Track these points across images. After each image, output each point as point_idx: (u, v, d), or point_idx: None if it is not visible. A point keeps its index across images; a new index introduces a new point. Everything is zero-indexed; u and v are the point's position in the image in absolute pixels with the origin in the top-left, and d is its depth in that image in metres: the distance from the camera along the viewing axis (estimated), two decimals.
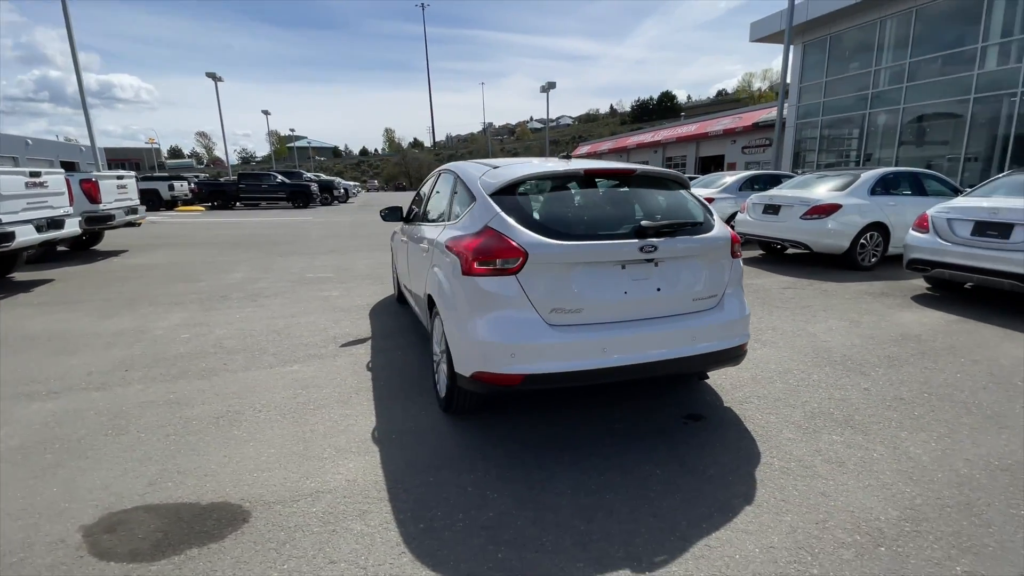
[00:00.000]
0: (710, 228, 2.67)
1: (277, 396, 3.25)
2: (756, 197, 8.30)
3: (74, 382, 3.48)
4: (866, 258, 7.25)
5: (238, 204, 24.12)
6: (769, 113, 31.60)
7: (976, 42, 15.59)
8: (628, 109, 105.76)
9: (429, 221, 3.76)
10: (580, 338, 2.37)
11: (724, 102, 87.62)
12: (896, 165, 15.47)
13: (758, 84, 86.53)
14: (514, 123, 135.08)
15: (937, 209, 5.57)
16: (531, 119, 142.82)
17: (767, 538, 1.95)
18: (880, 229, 7.20)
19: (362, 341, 4.33)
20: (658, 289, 2.51)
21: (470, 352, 2.46)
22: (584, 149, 53.64)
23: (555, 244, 2.37)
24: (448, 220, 3.09)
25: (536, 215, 2.53)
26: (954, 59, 16.31)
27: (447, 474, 2.39)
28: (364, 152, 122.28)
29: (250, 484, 2.31)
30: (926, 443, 2.63)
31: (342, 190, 28.46)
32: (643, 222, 2.47)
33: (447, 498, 2.21)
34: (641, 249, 2.41)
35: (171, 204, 22.07)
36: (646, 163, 44.02)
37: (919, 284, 6.26)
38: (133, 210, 9.41)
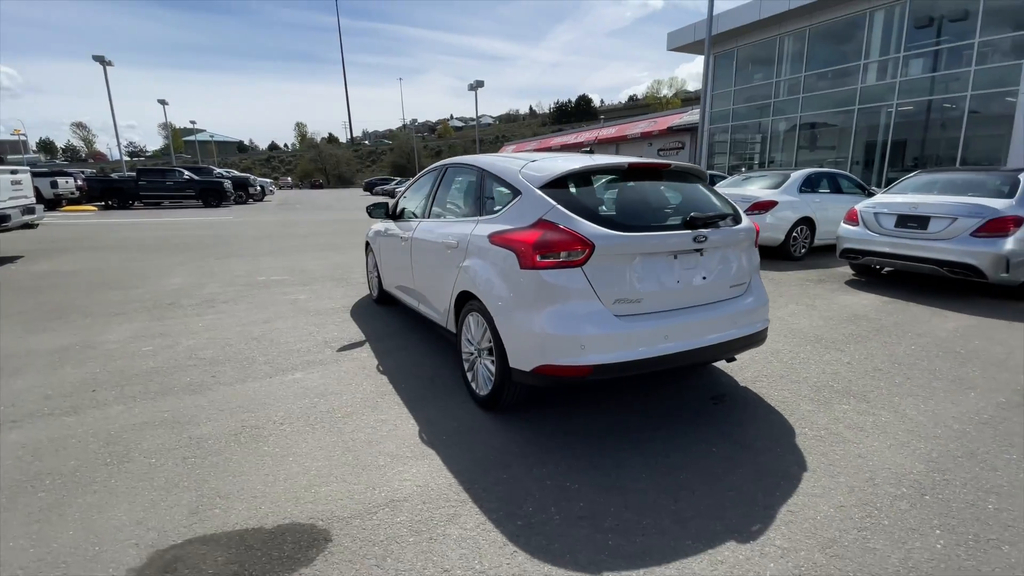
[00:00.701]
0: (740, 219, 2.86)
1: (294, 407, 2.99)
2: None
3: (32, 407, 2.97)
4: (797, 249, 8.07)
5: (136, 203, 21.56)
6: (681, 118, 33.99)
7: (859, 59, 17.86)
8: (547, 111, 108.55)
9: (440, 218, 3.65)
10: (643, 327, 2.44)
11: (635, 107, 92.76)
12: (794, 168, 17.38)
13: (665, 91, 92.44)
14: (435, 120, 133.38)
15: (865, 204, 6.34)
16: (451, 117, 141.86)
17: (834, 499, 2.15)
18: (808, 223, 8.05)
19: (359, 344, 4.10)
20: (704, 278, 2.65)
21: (533, 346, 2.44)
22: (509, 149, 54.30)
23: (620, 235, 2.41)
24: (480, 215, 3.02)
25: (593, 208, 2.55)
26: (841, 74, 18.56)
27: (518, 470, 2.35)
28: (273, 147, 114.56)
29: (312, 501, 2.13)
30: (917, 406, 3.01)
31: (258, 187, 26.45)
32: (693, 214, 2.59)
33: (531, 493, 2.18)
34: (694, 239, 2.53)
35: (54, 203, 19.21)
36: None
37: (846, 271, 7.08)
38: (30, 210, 8.09)
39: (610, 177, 2.81)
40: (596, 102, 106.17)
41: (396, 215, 4.62)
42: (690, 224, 2.57)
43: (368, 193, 43.01)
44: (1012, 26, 14.14)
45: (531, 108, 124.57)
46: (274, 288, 6.14)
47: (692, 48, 23.80)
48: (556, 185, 2.62)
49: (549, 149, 45.70)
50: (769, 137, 21.54)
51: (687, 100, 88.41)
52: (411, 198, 4.43)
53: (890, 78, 17.20)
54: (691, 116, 32.92)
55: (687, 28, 23.00)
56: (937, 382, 3.34)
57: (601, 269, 2.41)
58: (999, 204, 5.27)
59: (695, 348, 2.55)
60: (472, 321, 2.96)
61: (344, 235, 11.71)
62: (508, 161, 3.04)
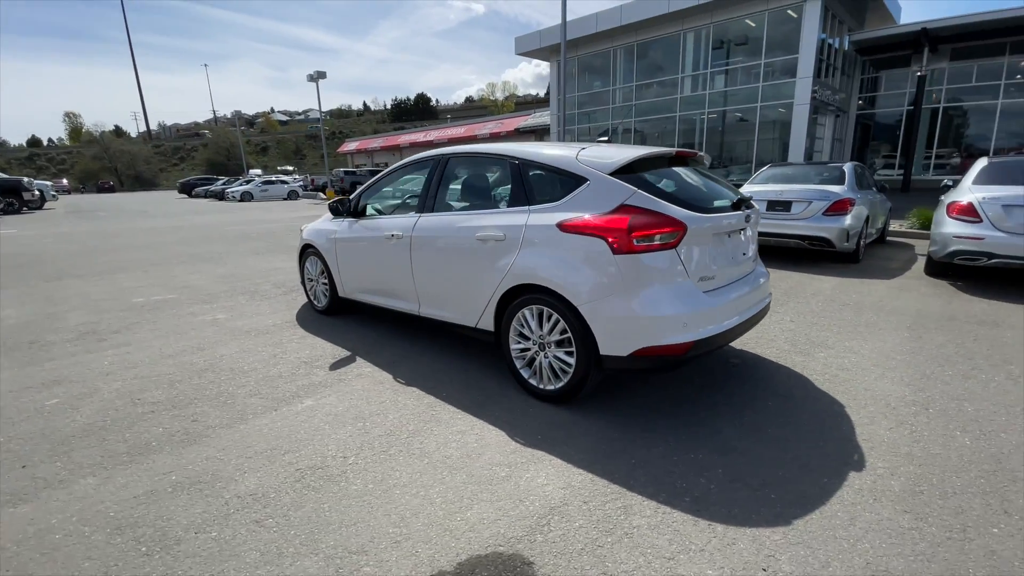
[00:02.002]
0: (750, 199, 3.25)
1: (342, 437, 2.53)
2: None
3: None
4: None
5: None
6: (527, 120, 36.11)
7: (677, 72, 21.03)
8: (384, 107, 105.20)
9: (452, 211, 3.39)
10: (722, 301, 2.64)
11: (472, 108, 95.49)
12: None
13: (499, 94, 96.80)
14: (252, 113, 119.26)
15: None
16: (272, 110, 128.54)
17: (883, 424, 2.61)
18: None
19: (349, 360, 3.59)
20: (744, 254, 2.96)
21: (633, 330, 2.46)
22: (352, 145, 51.41)
23: (703, 216, 2.57)
24: (528, 204, 2.89)
25: (665, 192, 2.65)
26: (665, 85, 21.65)
27: (638, 453, 2.36)
28: (35, 142, 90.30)
29: (470, 530, 1.86)
30: (863, 346, 3.77)
31: (36, 192, 20.69)
32: (738, 196, 2.87)
33: (670, 471, 2.22)
34: (745, 219, 2.81)
35: None
36: None
37: None
38: None
39: (663, 164, 2.94)
40: (432, 101, 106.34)
41: (358, 212, 4.14)
42: (737, 205, 2.86)
43: (187, 196, 36.74)
44: (786, 51, 18.10)
45: (365, 104, 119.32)
46: (171, 310, 4.97)
47: (539, 54, 25.36)
48: (626, 171, 2.66)
49: (397, 146, 44.50)
50: (611, 141, 24.11)
51: (520, 104, 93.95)
52: (388, 194, 4.00)
53: (701, 90, 20.64)
54: (535, 119, 35.18)
55: (533, 35, 24.42)
56: (859, 327, 4.23)
57: (689, 249, 2.54)
58: (837, 189, 6.80)
59: (750, 318, 2.85)
60: (528, 315, 2.84)
61: (199, 243, 9.91)
62: (551, 149, 2.98)
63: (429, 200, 3.52)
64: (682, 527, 1.87)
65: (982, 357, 3.49)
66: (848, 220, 6.57)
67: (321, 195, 28.91)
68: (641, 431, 2.56)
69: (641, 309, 2.45)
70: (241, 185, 31.23)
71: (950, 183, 7.28)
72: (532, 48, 24.75)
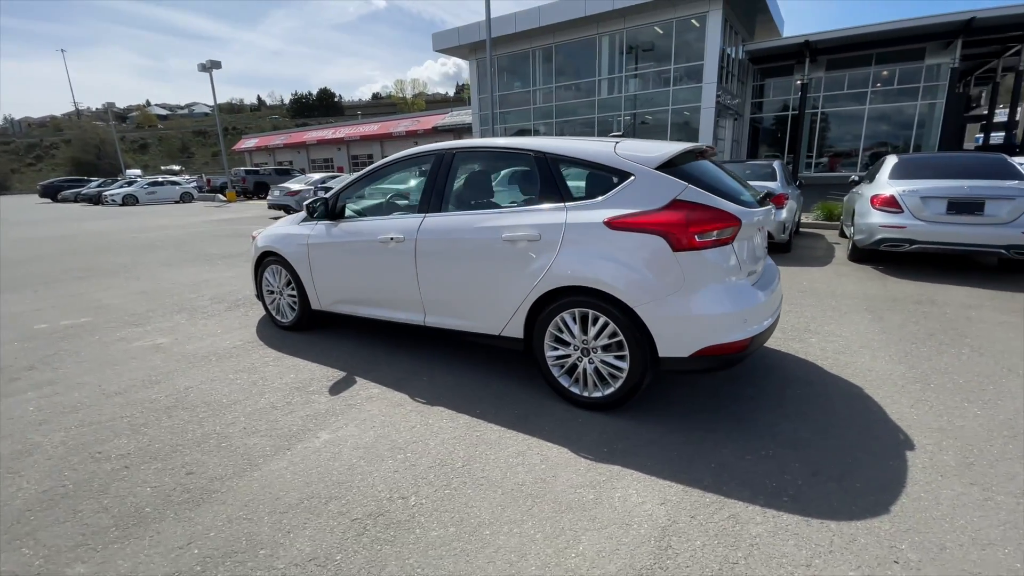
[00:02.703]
0: None
1: (387, 474, 2.19)
2: None
3: None
4: None
5: None
6: (443, 119, 35.56)
7: (594, 75, 21.78)
8: (281, 102, 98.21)
9: (468, 210, 3.10)
10: (767, 294, 2.65)
11: (381, 105, 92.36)
12: None
13: (409, 92, 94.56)
14: (123, 107, 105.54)
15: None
16: (149, 103, 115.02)
17: (903, 400, 2.78)
18: None
19: (347, 382, 3.17)
20: (763, 248, 3.02)
21: (695, 329, 2.39)
22: (251, 143, 47.38)
23: (751, 211, 2.55)
24: (564, 201, 2.70)
25: (709, 186, 2.59)
26: (583, 87, 22.33)
27: (715, 455, 2.30)
28: None
29: (595, 563, 1.66)
30: (843, 329, 4.05)
31: None
32: (764, 192, 2.91)
33: (752, 471, 2.17)
34: (771, 213, 2.85)
35: None
36: (330, 160, 42.53)
37: None
38: None
39: (696, 158, 2.89)
40: (335, 97, 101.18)
41: (337, 214, 3.70)
42: (763, 201, 2.90)
43: (51, 200, 31.55)
44: (693, 58, 19.43)
45: (260, 98, 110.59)
46: (91, 336, 4.12)
47: (457, 52, 25.00)
48: (670, 165, 2.58)
49: (303, 143, 41.80)
50: (623, 134, 24.40)
51: (431, 102, 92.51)
52: (373, 193, 3.60)
53: (617, 93, 21.57)
54: (453, 117, 34.77)
55: (451, 31, 24.02)
56: (828, 312, 4.55)
57: (740, 244, 2.52)
58: (773, 185, 7.35)
59: (779, 311, 2.91)
60: (569, 319, 2.67)
61: (95, 255, 8.48)
62: (581, 142, 2.82)
63: (435, 199, 3.20)
64: (799, 529, 1.82)
65: (941, 333, 3.89)
66: (784, 213, 7.13)
67: (221, 196, 26.23)
68: (702, 432, 2.50)
69: (703, 307, 2.38)
70: (122, 187, 27.45)
71: (857, 179, 8.19)
72: (450, 45, 24.34)
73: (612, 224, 2.51)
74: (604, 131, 22.25)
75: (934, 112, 20.54)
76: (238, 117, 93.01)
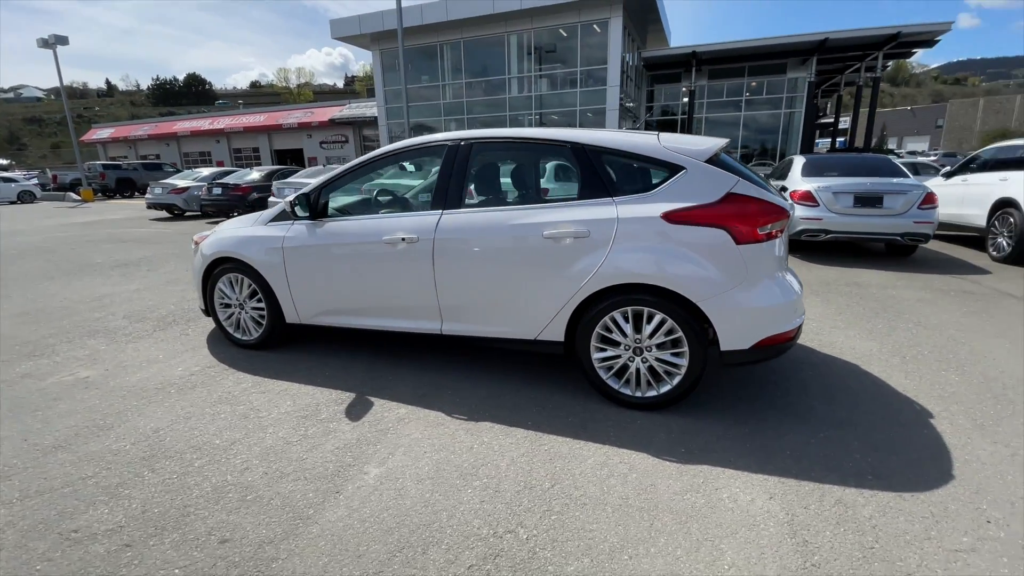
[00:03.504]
0: None
1: (475, 507, 1.92)
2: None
3: None
4: None
5: None
6: (342, 111, 33.51)
7: (504, 73, 21.89)
8: (136, 86, 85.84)
9: (494, 206, 2.86)
10: (800, 285, 2.76)
11: (262, 94, 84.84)
12: None
13: (295, 81, 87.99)
14: None
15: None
16: None
17: (900, 374, 3.10)
18: None
19: (363, 404, 2.77)
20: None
21: (757, 321, 2.41)
22: (105, 133, 40.80)
23: (790, 204, 2.63)
24: (610, 196, 2.58)
25: (748, 180, 2.62)
26: (493, 84, 22.34)
27: (784, 443, 2.34)
28: None
29: (755, 574, 1.58)
30: (814, 312, 4.43)
31: None
32: (780, 186, 3.03)
33: (828, 455, 2.25)
34: None
35: None
36: (207, 153, 38.16)
37: None
38: None
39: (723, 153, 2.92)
40: (207, 84, 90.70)
41: (320, 213, 3.24)
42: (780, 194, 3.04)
43: None
44: (597, 61, 20.31)
45: (109, 82, 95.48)
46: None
47: (358, 41, 23.66)
48: (716, 159, 2.58)
49: (173, 135, 37.05)
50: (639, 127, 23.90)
51: (319, 93, 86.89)
52: (363, 190, 3.18)
53: (527, 92, 21.91)
54: (352, 110, 32.91)
55: (351, 19, 22.69)
56: None
57: (783, 237, 2.59)
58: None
59: None
60: (620, 318, 2.57)
61: None
62: (623, 134, 2.71)
63: (453, 194, 2.91)
64: (899, 505, 1.91)
65: (883, 312, 4.42)
66: None
67: (74, 195, 22.18)
68: (755, 423, 2.55)
69: (763, 299, 2.42)
70: None
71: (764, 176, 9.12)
72: (350, 34, 22.97)
73: (671, 218, 2.45)
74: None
75: (794, 120, 23.68)
76: (82, 103, 79.51)
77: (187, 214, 13.92)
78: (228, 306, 3.63)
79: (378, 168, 3.26)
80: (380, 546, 1.72)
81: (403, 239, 2.91)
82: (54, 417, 2.63)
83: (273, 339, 3.55)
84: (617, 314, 2.59)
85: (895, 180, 6.56)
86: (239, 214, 13.17)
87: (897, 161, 7.43)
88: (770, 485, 2.05)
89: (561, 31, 20.78)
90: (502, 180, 3.06)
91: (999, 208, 6.53)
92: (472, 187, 2.94)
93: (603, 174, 2.65)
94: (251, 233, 3.43)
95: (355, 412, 2.68)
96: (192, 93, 77.79)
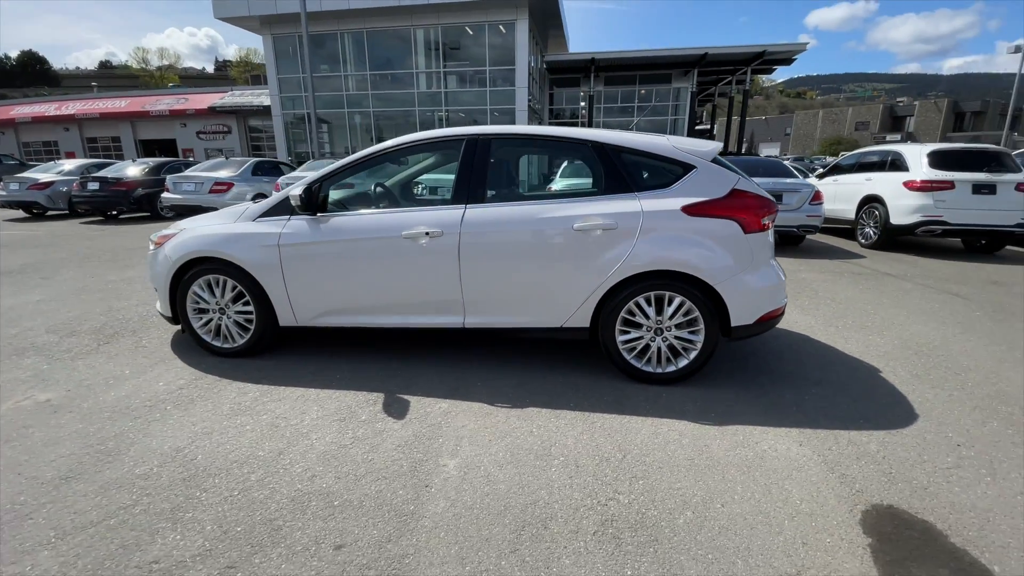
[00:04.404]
0: None
1: (570, 482, 2.03)
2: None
3: None
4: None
5: None
6: (223, 98, 30.39)
7: (412, 68, 21.44)
8: None
9: (517, 201, 2.94)
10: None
11: (115, 76, 73.76)
12: None
13: (154, 62, 77.77)
14: None
15: (286, 177, 9.35)
16: None
17: (881, 345, 3.74)
18: (262, 197, 10.46)
19: (398, 404, 2.72)
20: None
21: (759, 299, 2.80)
22: None
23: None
24: (633, 191, 2.80)
25: (745, 178, 3.00)
26: (401, 78, 21.76)
27: (802, 402, 2.75)
28: None
29: (820, 497, 1.90)
30: None
31: None
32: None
33: (854, 409, 2.70)
34: None
35: None
36: (53, 143, 32.59)
37: None
38: None
39: None
40: (46, 63, 76.33)
41: (320, 206, 3.09)
42: None
43: None
44: (504, 62, 20.70)
45: None
46: None
47: (246, 23, 21.65)
48: (717, 159, 2.93)
49: (10, 122, 30.88)
50: (348, 128, 22.82)
51: (186, 78, 77.65)
52: (368, 182, 3.08)
53: (437, 88, 21.69)
54: (236, 98, 30.10)
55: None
56: None
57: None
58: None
59: None
60: (643, 303, 2.83)
61: None
62: (637, 136, 2.95)
63: (475, 188, 2.95)
64: (896, 440, 2.37)
65: (801, 291, 5.23)
66: None
67: None
68: (757, 388, 2.95)
69: (763, 280, 2.82)
70: None
71: None
72: (236, 15, 20.93)
73: (690, 211, 2.75)
74: (427, 125, 22.12)
75: (678, 125, 26.18)
76: None
77: (49, 213, 11.81)
78: (205, 312, 3.28)
79: (386, 161, 3.18)
80: (500, 528, 1.78)
81: (427, 233, 2.89)
82: (38, 447, 2.24)
83: (261, 345, 3.29)
84: (640, 299, 2.84)
85: (789, 180, 7.67)
86: (119, 213, 11.47)
87: (786, 163, 8.68)
88: (794, 435, 2.42)
89: (467, 29, 20.86)
90: (523, 175, 3.16)
91: (866, 203, 7.95)
92: (492, 181, 3.01)
93: (624, 171, 2.88)
94: (237, 230, 3.15)
95: (395, 411, 2.62)
96: (28, 73, 64.87)
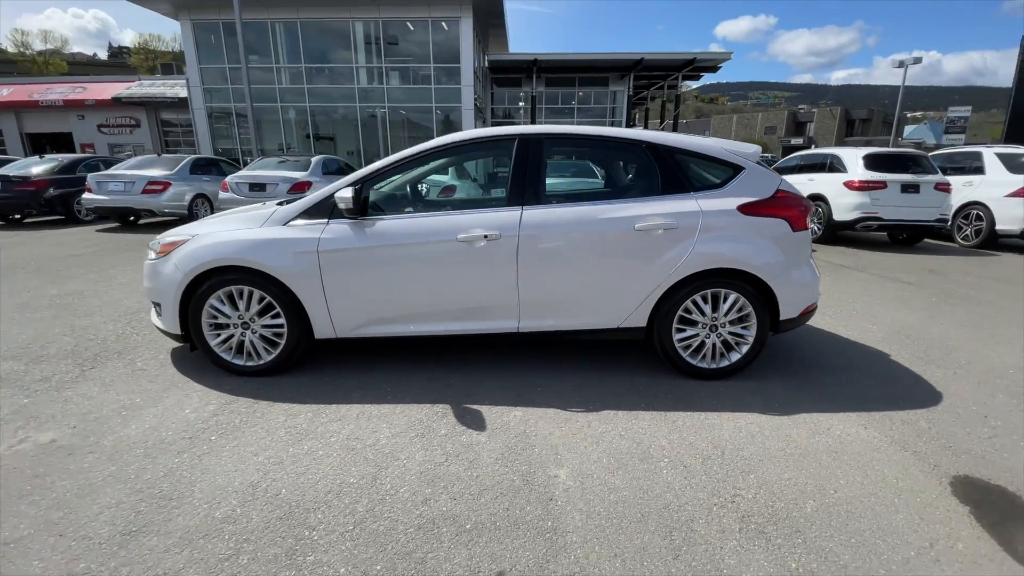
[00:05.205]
0: None
1: (682, 481, 2.04)
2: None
3: None
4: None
5: None
6: (129, 88, 27.50)
7: (351, 62, 20.56)
8: None
9: (576, 202, 2.90)
10: None
11: (4, 61, 64.30)
12: (313, 155, 18.72)
13: (38, 46, 68.76)
14: None
15: (235, 176, 9.08)
16: None
17: (876, 333, 4.06)
18: (203, 198, 9.90)
19: (470, 415, 2.59)
20: None
21: (804, 292, 2.96)
22: None
23: None
24: (689, 192, 2.86)
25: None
26: (339, 72, 20.79)
27: (831, 384, 2.94)
28: None
29: (907, 472, 2.05)
30: None
31: None
32: None
33: (860, 390, 2.91)
34: None
35: None
36: None
37: None
38: None
39: None
40: None
41: (366, 210, 2.89)
42: None
43: None
44: (448, 60, 20.40)
45: None
46: None
47: (163, 8, 19.69)
48: (759, 161, 3.06)
49: None
50: (282, 123, 21.46)
51: (76, 64, 69.40)
52: (412, 183, 2.91)
53: (378, 83, 20.95)
54: (144, 88, 27.36)
55: None
56: None
57: None
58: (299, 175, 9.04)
59: None
60: (700, 300, 2.91)
61: None
62: (689, 137, 3.01)
63: (531, 189, 2.88)
64: (938, 416, 2.61)
65: None
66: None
67: None
68: (793, 379, 3.12)
69: (806, 276, 2.99)
70: None
71: None
72: None
73: (745, 210, 2.85)
74: (368, 121, 21.29)
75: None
76: None
77: None
78: (223, 327, 2.95)
79: (432, 160, 3.02)
80: (649, 535, 1.75)
81: (485, 236, 2.78)
82: (70, 499, 1.89)
83: (291, 361, 3.02)
84: (697, 296, 2.91)
85: None
86: (25, 216, 10.02)
87: None
88: (854, 419, 2.59)
89: (409, 24, 20.34)
90: (577, 176, 3.13)
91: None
92: (548, 182, 2.95)
93: (680, 172, 2.94)
94: (267, 236, 2.85)
95: (471, 422, 2.50)
96: None
